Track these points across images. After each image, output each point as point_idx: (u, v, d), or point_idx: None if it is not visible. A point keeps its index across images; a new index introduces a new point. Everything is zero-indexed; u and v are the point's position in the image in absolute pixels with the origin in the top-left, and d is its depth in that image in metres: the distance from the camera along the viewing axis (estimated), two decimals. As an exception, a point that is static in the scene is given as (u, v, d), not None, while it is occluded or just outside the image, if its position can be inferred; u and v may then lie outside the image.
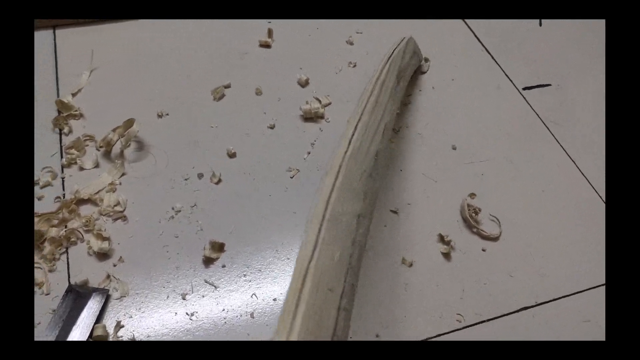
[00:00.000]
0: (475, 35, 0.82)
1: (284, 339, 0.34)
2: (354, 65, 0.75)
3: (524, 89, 0.75)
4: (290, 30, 0.78)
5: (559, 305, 0.55)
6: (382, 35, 0.79)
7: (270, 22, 0.78)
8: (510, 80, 0.76)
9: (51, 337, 0.48)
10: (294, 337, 0.34)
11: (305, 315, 0.35)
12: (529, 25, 0.85)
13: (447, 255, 0.58)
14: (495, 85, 0.75)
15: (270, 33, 0.77)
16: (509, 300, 0.55)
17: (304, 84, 0.72)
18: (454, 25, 0.83)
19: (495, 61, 0.79)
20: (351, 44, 0.78)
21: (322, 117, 0.68)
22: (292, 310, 0.36)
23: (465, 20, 0.84)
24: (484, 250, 0.59)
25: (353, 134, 0.50)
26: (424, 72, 0.76)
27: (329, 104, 0.70)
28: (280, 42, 0.77)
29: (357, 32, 0.80)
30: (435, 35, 0.81)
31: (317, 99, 0.70)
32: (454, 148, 0.67)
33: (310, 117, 0.68)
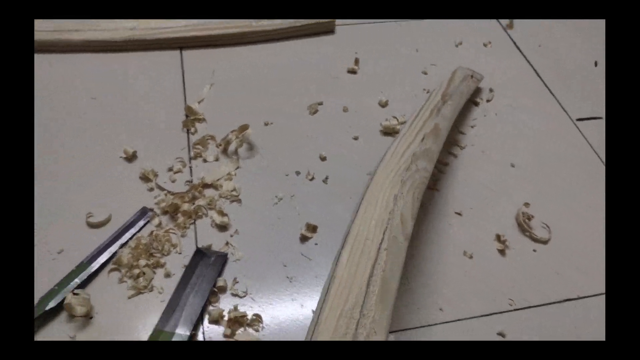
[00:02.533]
0: (535, 70, 0.93)
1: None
2: (427, 92, 0.88)
3: (578, 119, 0.85)
4: (373, 60, 0.92)
5: (599, 300, 0.64)
6: (452, 68, 0.92)
7: (357, 53, 0.92)
8: (565, 111, 0.87)
9: (183, 288, 0.61)
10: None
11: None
12: (584, 62, 0.95)
13: (502, 252, 0.68)
14: (551, 115, 0.86)
15: (357, 62, 0.91)
16: (555, 292, 0.65)
17: (384, 104, 0.85)
18: (517, 62, 0.95)
19: (552, 93, 0.89)
20: (425, 73, 0.91)
21: (398, 132, 0.81)
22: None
23: (526, 56, 0.95)
24: (534, 250, 0.69)
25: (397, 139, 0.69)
26: (489, 101, 0.87)
27: (404, 122, 0.82)
28: (364, 69, 0.91)
29: (432, 64, 0.93)
30: (500, 70, 0.93)
31: (395, 118, 0.82)
32: (513, 165, 0.78)
33: (389, 132, 0.81)
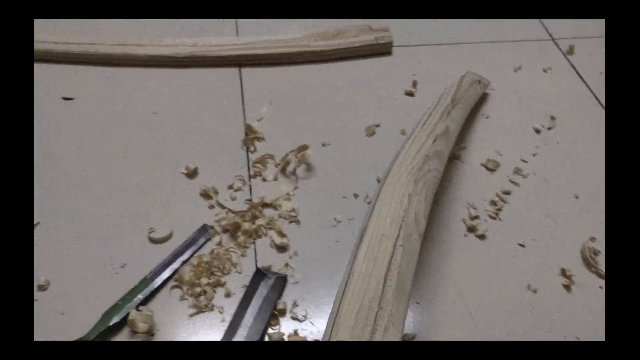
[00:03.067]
0: (597, 98, 0.91)
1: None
2: (487, 117, 0.86)
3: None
4: (431, 83, 0.91)
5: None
6: (511, 92, 0.90)
7: (414, 75, 0.92)
8: (631, 142, 0.84)
9: (244, 309, 0.61)
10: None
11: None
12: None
13: (567, 287, 0.66)
14: (616, 145, 0.84)
15: (414, 84, 0.90)
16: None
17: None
18: (578, 89, 0.93)
19: (617, 124, 0.87)
20: (484, 98, 0.90)
21: (457, 157, 0.80)
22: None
23: (587, 84, 0.93)
24: (601, 287, 0.66)
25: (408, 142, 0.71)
26: (550, 128, 0.85)
27: (464, 147, 0.81)
28: (421, 92, 0.90)
29: (491, 89, 0.91)
30: (561, 96, 0.91)
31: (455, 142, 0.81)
32: (577, 197, 0.76)
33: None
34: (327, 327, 0.48)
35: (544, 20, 1.06)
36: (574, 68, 0.97)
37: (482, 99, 0.90)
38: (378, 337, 0.44)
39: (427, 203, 0.62)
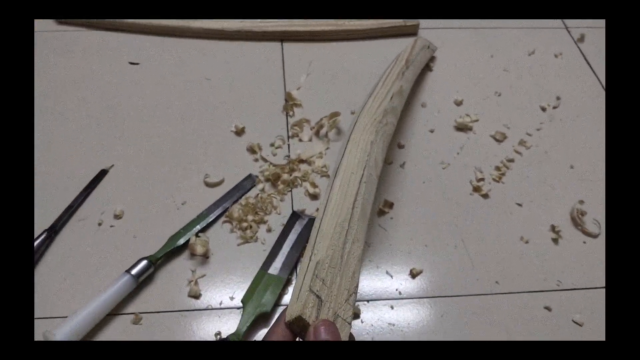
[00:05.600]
0: (601, 84, 1.01)
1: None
2: (499, 95, 0.97)
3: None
4: (453, 62, 1.02)
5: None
6: (524, 74, 1.01)
7: (435, 53, 1.03)
8: (627, 122, 0.94)
9: (282, 241, 0.74)
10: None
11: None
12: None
13: (555, 241, 0.77)
14: (613, 125, 0.94)
15: (433, 60, 1.01)
16: (598, 278, 0.74)
17: (459, 103, 0.95)
18: (585, 74, 1.02)
19: (617, 106, 0.97)
20: (498, 78, 1.00)
21: (470, 129, 0.91)
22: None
23: (594, 70, 1.03)
24: (584, 242, 0.78)
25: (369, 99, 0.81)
26: (556, 107, 0.96)
27: (477, 120, 0.92)
28: (442, 69, 1.01)
29: (504, 70, 1.02)
30: (568, 80, 1.01)
31: (468, 115, 0.92)
32: (572, 167, 0.87)
33: (462, 128, 0.91)
34: (311, 237, 0.59)
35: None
36: (583, 54, 1.06)
37: (498, 79, 1.00)
38: (347, 249, 0.56)
39: (384, 149, 0.73)
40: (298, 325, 0.49)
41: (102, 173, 0.81)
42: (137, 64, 0.98)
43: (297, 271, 0.72)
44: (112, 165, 0.82)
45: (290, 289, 0.70)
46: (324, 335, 0.46)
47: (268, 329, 0.53)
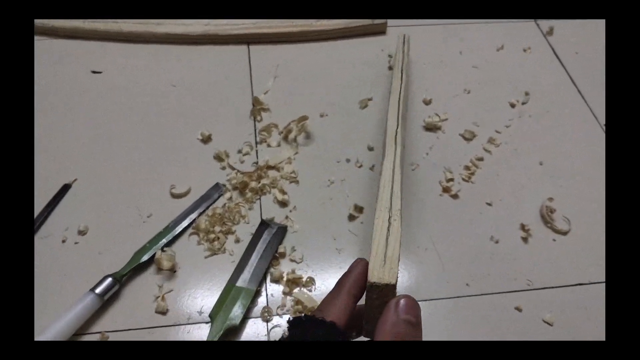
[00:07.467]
0: (570, 77, 1.01)
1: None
2: (468, 92, 0.97)
3: (605, 125, 0.93)
4: (421, 60, 1.02)
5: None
6: (493, 70, 1.00)
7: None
8: (595, 116, 0.94)
9: (251, 252, 0.73)
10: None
11: None
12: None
13: (525, 239, 0.77)
14: (581, 119, 0.94)
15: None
16: (569, 276, 0.74)
17: (427, 102, 0.94)
18: (554, 68, 1.02)
19: (584, 100, 0.97)
20: (467, 75, 1.00)
21: (439, 128, 0.90)
22: None
23: (563, 63, 1.03)
24: (554, 240, 0.78)
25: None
26: (525, 103, 0.95)
27: (446, 119, 0.92)
28: (409, 66, 1.00)
29: (473, 67, 1.01)
30: (537, 75, 1.01)
31: (437, 115, 0.92)
32: (541, 164, 0.87)
33: (430, 128, 0.90)
34: (382, 199, 0.63)
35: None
36: (552, 48, 1.06)
37: (467, 76, 1.00)
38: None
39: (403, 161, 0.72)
40: (380, 291, 0.45)
41: (65, 187, 0.79)
42: (100, 72, 0.96)
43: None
44: (75, 179, 0.81)
45: (260, 300, 0.70)
46: (403, 314, 0.42)
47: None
